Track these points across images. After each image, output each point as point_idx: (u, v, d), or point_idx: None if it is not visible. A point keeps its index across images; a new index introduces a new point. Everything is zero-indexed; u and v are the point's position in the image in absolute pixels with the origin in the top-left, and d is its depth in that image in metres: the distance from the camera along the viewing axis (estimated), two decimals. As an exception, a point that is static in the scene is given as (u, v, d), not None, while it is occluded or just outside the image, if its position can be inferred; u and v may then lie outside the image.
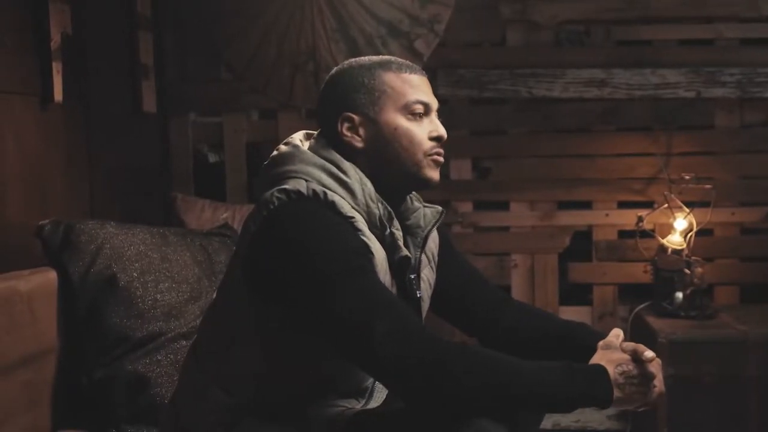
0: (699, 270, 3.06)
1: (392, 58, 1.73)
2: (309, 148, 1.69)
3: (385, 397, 1.73)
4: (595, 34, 3.42)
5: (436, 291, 1.82)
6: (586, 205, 3.45)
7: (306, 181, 1.61)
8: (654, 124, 3.40)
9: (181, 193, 3.26)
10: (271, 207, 1.58)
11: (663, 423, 2.84)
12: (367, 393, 1.72)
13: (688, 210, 3.13)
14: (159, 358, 2.25)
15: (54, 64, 2.49)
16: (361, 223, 1.60)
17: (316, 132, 1.75)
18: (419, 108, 1.68)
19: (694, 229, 3.12)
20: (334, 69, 1.75)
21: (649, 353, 1.57)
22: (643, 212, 3.20)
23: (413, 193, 1.78)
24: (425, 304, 1.79)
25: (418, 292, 1.74)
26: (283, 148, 1.71)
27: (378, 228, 1.63)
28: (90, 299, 2.25)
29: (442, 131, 1.70)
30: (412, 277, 1.72)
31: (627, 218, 3.33)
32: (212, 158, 3.70)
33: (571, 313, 3.37)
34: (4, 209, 2.27)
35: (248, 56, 3.38)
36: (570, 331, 1.83)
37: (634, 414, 3.23)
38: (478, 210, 3.48)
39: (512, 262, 3.45)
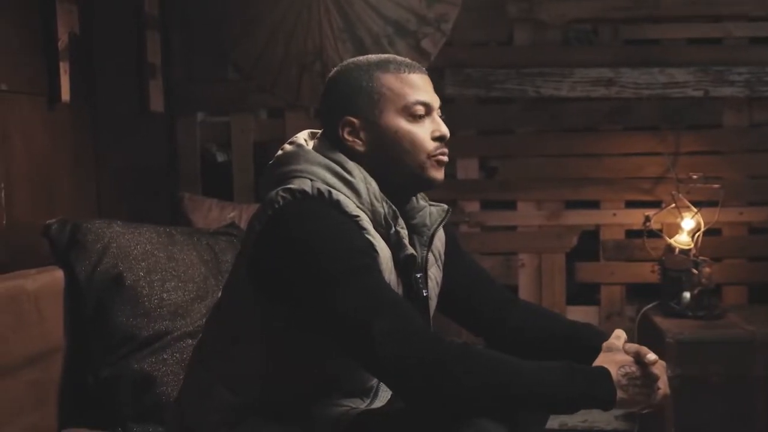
0: (707, 270, 3.05)
1: (391, 57, 1.71)
2: (313, 148, 1.69)
3: (389, 396, 1.73)
4: (602, 33, 3.41)
5: (442, 290, 1.82)
6: (594, 204, 3.45)
7: (311, 180, 1.61)
8: (662, 124, 3.39)
9: (189, 192, 3.27)
10: (276, 206, 1.58)
11: (670, 423, 2.83)
12: (371, 392, 1.72)
13: (695, 210, 3.12)
14: (165, 357, 2.26)
15: (61, 64, 2.50)
16: (366, 222, 1.60)
17: (320, 131, 1.75)
18: (420, 109, 1.67)
19: (702, 229, 3.11)
20: (334, 70, 1.74)
21: (651, 356, 1.57)
22: (650, 212, 3.19)
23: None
24: (433, 303, 1.79)
25: (424, 291, 1.73)
26: (287, 147, 1.71)
27: (383, 227, 1.63)
28: (96, 298, 2.26)
29: (444, 130, 1.69)
30: (419, 276, 1.72)
31: (634, 218, 3.32)
32: (220, 157, 3.71)
33: (579, 313, 3.36)
34: (11, 208, 2.27)
35: (255, 56, 3.39)
36: (576, 332, 1.82)
37: (640, 414, 3.22)
38: (485, 209, 3.48)
39: (519, 262, 3.45)
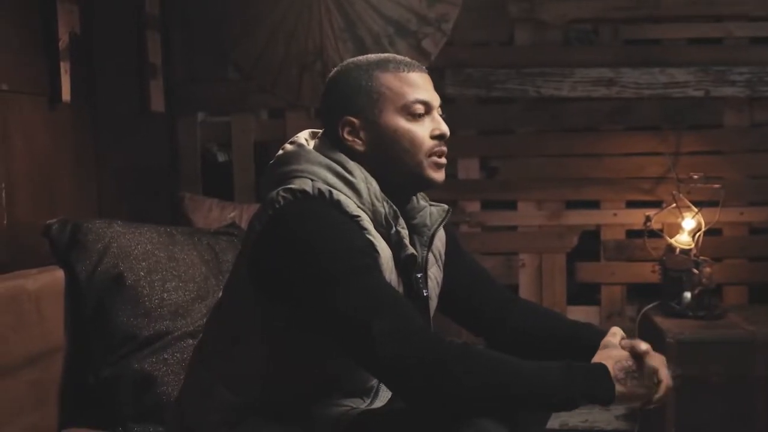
0: (707, 270, 3.05)
1: (391, 56, 1.71)
2: (314, 148, 1.69)
3: (390, 396, 1.73)
4: (603, 33, 3.41)
5: (443, 290, 1.82)
6: (594, 204, 3.45)
7: (311, 180, 1.61)
8: (662, 124, 3.39)
9: (189, 192, 3.27)
10: (277, 206, 1.58)
11: (671, 423, 2.83)
12: (372, 392, 1.72)
13: (696, 210, 3.12)
14: (165, 356, 2.26)
15: (62, 64, 2.50)
16: (367, 222, 1.60)
17: (321, 131, 1.75)
18: (419, 108, 1.67)
19: (703, 229, 3.11)
20: (334, 70, 1.74)
21: (643, 345, 1.56)
22: (651, 212, 3.19)
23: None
24: (433, 303, 1.79)
25: (425, 290, 1.73)
26: (288, 147, 1.71)
27: (384, 227, 1.63)
28: (97, 298, 2.26)
29: (444, 129, 1.69)
30: (419, 276, 1.72)
31: (635, 218, 3.32)
32: (221, 157, 3.71)
33: (579, 313, 3.36)
34: (12, 208, 2.28)
35: (255, 56, 3.39)
36: (576, 332, 1.82)
37: (641, 413, 3.23)
38: (486, 209, 3.48)
39: (520, 262, 3.45)
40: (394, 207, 1.65)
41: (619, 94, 3.35)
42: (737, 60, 3.32)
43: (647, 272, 3.31)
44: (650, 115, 3.38)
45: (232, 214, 3.06)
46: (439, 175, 1.69)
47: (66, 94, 2.52)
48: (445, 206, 1.78)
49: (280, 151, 1.71)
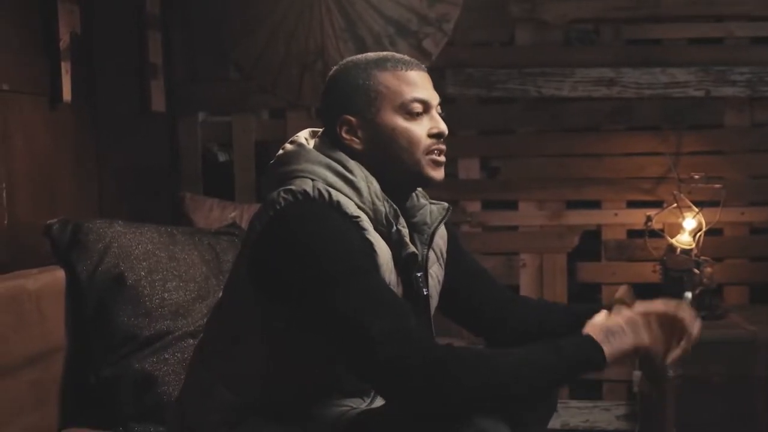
0: (708, 270, 3.05)
1: (389, 55, 1.70)
2: (314, 147, 1.69)
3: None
4: (604, 33, 3.41)
5: (443, 290, 1.82)
6: (595, 204, 3.45)
7: (312, 180, 1.61)
8: (663, 124, 3.39)
9: (190, 192, 3.27)
10: (278, 207, 1.58)
11: (671, 423, 2.83)
12: (372, 392, 1.72)
13: (697, 209, 3.11)
14: (166, 356, 2.26)
15: (63, 64, 2.50)
16: (366, 222, 1.60)
17: (321, 130, 1.75)
18: (417, 107, 1.66)
19: (704, 229, 3.11)
20: (333, 69, 1.74)
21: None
22: (652, 212, 3.19)
23: (419, 190, 1.77)
24: (434, 301, 1.79)
25: (425, 289, 1.73)
26: (288, 146, 1.71)
27: (384, 226, 1.63)
28: (98, 298, 2.27)
29: (442, 127, 1.68)
30: (419, 275, 1.72)
31: (636, 218, 3.31)
32: (222, 157, 3.72)
33: (580, 313, 3.35)
34: (12, 208, 2.28)
35: (256, 55, 3.39)
36: (577, 319, 1.81)
37: (642, 413, 3.22)
38: (487, 209, 3.48)
39: (521, 262, 3.45)
40: (395, 206, 1.65)
41: (619, 94, 3.35)
42: (738, 60, 3.32)
43: (648, 272, 3.31)
44: (651, 115, 3.38)
45: (233, 214, 3.06)
46: (438, 173, 1.69)
47: (67, 94, 2.52)
48: (446, 204, 1.78)
49: (281, 151, 1.71)
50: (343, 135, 1.67)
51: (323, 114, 1.73)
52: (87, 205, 2.73)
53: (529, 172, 3.43)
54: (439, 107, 1.71)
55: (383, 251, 1.60)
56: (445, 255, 1.81)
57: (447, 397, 1.45)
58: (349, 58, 1.74)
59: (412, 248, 1.65)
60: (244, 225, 2.82)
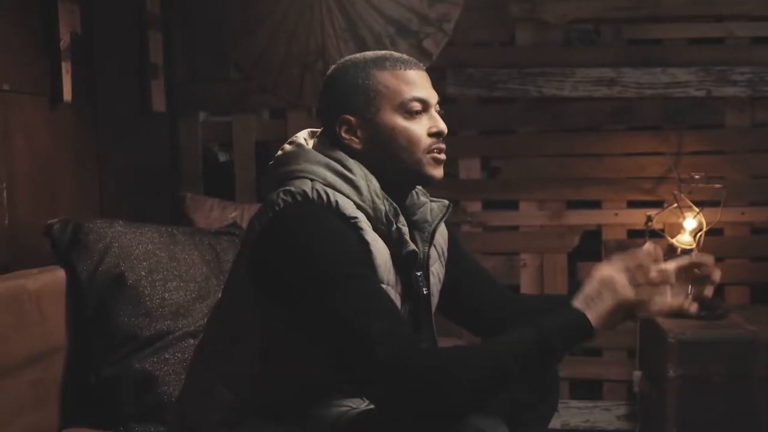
0: (709, 270, 3.04)
1: (388, 54, 1.70)
2: (313, 147, 1.69)
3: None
4: (604, 32, 3.41)
5: (443, 289, 1.82)
6: (596, 204, 3.44)
7: (311, 180, 1.61)
8: (664, 124, 3.39)
9: (190, 192, 3.27)
10: (277, 209, 1.58)
11: (672, 423, 2.83)
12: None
13: (697, 209, 3.11)
14: (166, 356, 2.26)
15: (63, 64, 2.50)
16: (364, 222, 1.60)
17: (320, 130, 1.75)
18: (416, 105, 1.66)
19: (704, 229, 3.11)
20: (331, 68, 1.74)
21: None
22: (652, 212, 3.19)
23: (419, 188, 1.77)
24: (434, 299, 1.79)
25: (425, 289, 1.73)
26: (287, 147, 1.71)
27: (384, 224, 1.63)
28: (98, 298, 2.27)
29: (441, 126, 1.68)
30: (419, 274, 1.72)
31: (636, 218, 3.31)
32: (222, 157, 3.71)
33: (580, 313, 3.35)
34: (13, 208, 2.28)
35: (256, 55, 3.39)
36: None
37: (643, 413, 3.23)
38: (487, 209, 3.48)
39: (521, 262, 3.44)
40: (395, 204, 1.65)
41: (620, 94, 3.35)
42: (738, 60, 3.32)
43: (648, 272, 3.29)
44: (651, 115, 3.38)
45: (233, 214, 3.06)
46: (438, 172, 1.69)
47: (67, 94, 2.52)
48: (446, 202, 1.78)
49: (279, 152, 1.71)
50: (343, 135, 1.67)
51: (322, 113, 1.73)
52: (87, 205, 2.73)
53: (529, 172, 3.43)
54: (438, 106, 1.70)
55: (381, 251, 1.60)
56: (446, 253, 1.81)
57: (447, 397, 1.44)
58: (348, 57, 1.73)
59: (412, 246, 1.65)
60: (245, 225, 2.81)
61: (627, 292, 1.52)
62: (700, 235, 3.11)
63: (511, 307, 1.87)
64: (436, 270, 1.78)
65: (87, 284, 2.27)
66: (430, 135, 1.67)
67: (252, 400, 1.64)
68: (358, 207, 1.61)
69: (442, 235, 1.80)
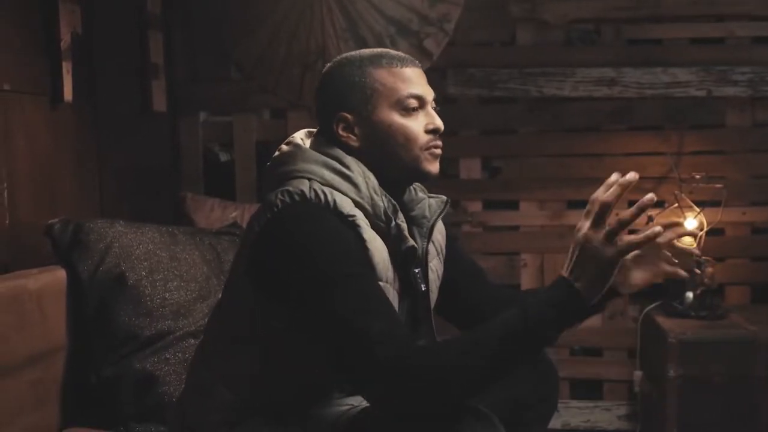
0: (709, 270, 3.05)
1: (384, 51, 1.71)
2: (310, 146, 1.70)
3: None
4: (605, 32, 3.41)
5: (441, 289, 1.82)
6: (596, 204, 3.43)
7: (309, 180, 1.61)
8: (664, 123, 3.39)
9: (191, 192, 3.27)
10: (275, 209, 1.58)
11: (672, 423, 2.83)
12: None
13: (698, 209, 3.11)
14: (167, 356, 2.26)
15: (64, 64, 2.50)
16: (362, 220, 1.60)
17: (316, 130, 1.75)
18: (413, 102, 1.67)
19: (705, 229, 3.11)
20: (327, 66, 1.74)
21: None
22: (653, 212, 3.17)
23: (417, 184, 1.77)
24: (433, 295, 1.79)
25: (423, 285, 1.73)
26: (284, 147, 1.71)
27: (383, 221, 1.63)
28: (99, 298, 2.27)
29: (438, 123, 1.68)
30: (417, 271, 1.72)
31: (637, 218, 3.31)
32: (223, 157, 3.71)
33: (581, 313, 3.35)
34: (14, 208, 2.28)
35: (257, 55, 3.39)
36: None
37: (643, 413, 3.22)
38: (488, 209, 3.47)
39: (522, 262, 3.44)
40: (393, 201, 1.65)
41: (621, 94, 3.35)
42: (739, 60, 3.32)
43: (649, 272, 3.29)
44: (652, 114, 3.38)
45: (234, 214, 3.06)
46: (435, 167, 1.69)
47: (68, 94, 2.52)
48: (444, 197, 1.78)
49: (277, 152, 1.72)
50: (340, 132, 1.67)
51: (319, 111, 1.73)
52: (88, 205, 2.73)
53: (530, 172, 3.43)
54: (434, 102, 1.71)
55: (379, 249, 1.60)
56: (444, 250, 1.82)
57: (448, 396, 1.45)
58: (344, 55, 1.74)
59: (411, 242, 1.65)
60: (245, 225, 2.81)
61: (601, 245, 1.48)
62: (701, 235, 3.11)
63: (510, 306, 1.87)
64: (435, 266, 1.78)
65: (88, 284, 2.27)
66: (427, 132, 1.67)
67: (252, 400, 1.64)
68: (357, 204, 1.61)
69: (440, 231, 1.80)
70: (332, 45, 3.32)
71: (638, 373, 3.27)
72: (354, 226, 1.58)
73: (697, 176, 3.13)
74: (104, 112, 2.83)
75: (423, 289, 1.73)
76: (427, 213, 1.75)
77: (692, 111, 3.36)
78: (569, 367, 3.36)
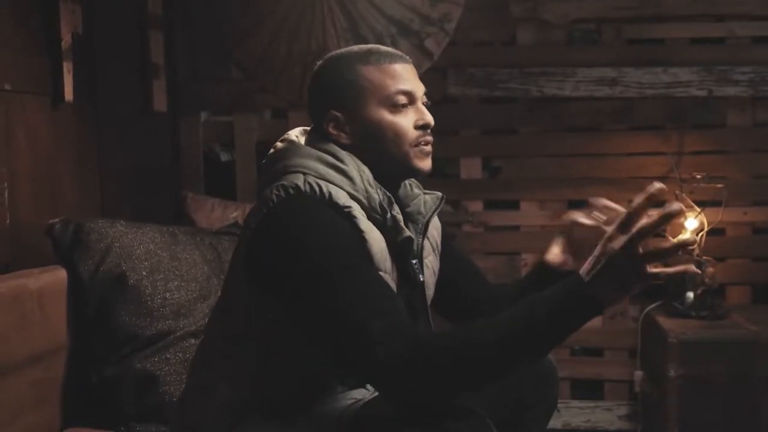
0: (710, 270, 3.05)
1: (374, 48, 1.70)
2: (305, 142, 1.70)
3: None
4: (606, 32, 3.41)
5: (439, 287, 1.81)
6: (597, 204, 3.44)
7: (303, 174, 1.61)
8: (665, 123, 3.39)
9: (192, 192, 3.27)
10: (271, 204, 1.58)
11: (673, 423, 2.83)
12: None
13: (699, 209, 3.11)
14: (168, 356, 2.26)
15: (65, 64, 2.50)
16: (358, 211, 1.59)
17: (311, 127, 1.75)
18: (402, 99, 1.66)
19: (706, 229, 3.11)
20: (318, 64, 1.74)
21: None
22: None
23: (413, 180, 1.77)
24: (430, 291, 1.78)
25: (420, 276, 1.73)
26: (279, 145, 1.72)
27: (379, 213, 1.62)
28: (99, 297, 2.27)
29: (428, 118, 1.68)
30: (414, 262, 1.71)
31: (638, 218, 3.30)
32: (224, 157, 3.71)
33: (582, 313, 3.35)
34: (14, 208, 2.28)
35: (258, 55, 3.39)
36: None
37: (644, 413, 3.22)
38: (488, 209, 3.48)
39: (522, 262, 3.44)
40: (388, 193, 1.65)
41: (621, 94, 3.35)
42: (740, 59, 3.32)
43: (650, 272, 3.29)
44: (653, 114, 3.38)
45: (235, 214, 3.06)
46: (426, 164, 1.69)
47: (68, 94, 2.52)
48: (439, 194, 1.78)
49: (272, 150, 1.72)
50: (331, 130, 1.67)
51: (310, 109, 1.73)
52: (89, 205, 2.73)
53: (530, 172, 3.43)
54: (425, 98, 1.70)
55: (377, 240, 1.60)
56: (440, 246, 1.81)
57: (451, 393, 1.45)
58: (333, 53, 1.73)
59: (407, 232, 1.65)
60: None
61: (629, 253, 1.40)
62: (702, 235, 3.11)
63: (510, 302, 1.87)
64: (430, 262, 1.78)
65: (88, 284, 2.27)
66: (417, 128, 1.67)
67: (253, 399, 1.64)
68: (352, 197, 1.61)
69: (435, 227, 1.80)
70: (333, 45, 3.32)
71: (639, 373, 3.27)
72: (350, 218, 1.57)
73: (698, 176, 3.13)
74: (105, 112, 2.83)
75: (421, 279, 1.72)
76: (422, 209, 1.75)
77: (693, 111, 3.36)
78: (570, 367, 3.36)
